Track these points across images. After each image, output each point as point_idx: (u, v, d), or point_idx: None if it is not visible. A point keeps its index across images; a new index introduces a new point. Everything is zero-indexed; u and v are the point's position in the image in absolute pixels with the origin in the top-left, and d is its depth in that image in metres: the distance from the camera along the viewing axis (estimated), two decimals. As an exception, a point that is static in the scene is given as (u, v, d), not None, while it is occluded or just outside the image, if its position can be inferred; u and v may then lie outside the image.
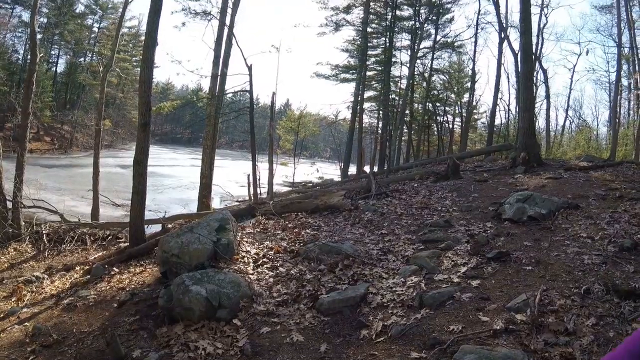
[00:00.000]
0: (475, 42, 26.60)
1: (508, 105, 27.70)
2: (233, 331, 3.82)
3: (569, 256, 4.82)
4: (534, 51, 24.24)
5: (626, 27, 22.47)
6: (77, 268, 7.63)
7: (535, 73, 24.62)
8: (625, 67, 24.76)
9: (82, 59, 44.36)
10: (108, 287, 5.91)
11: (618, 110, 25.30)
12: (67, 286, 6.51)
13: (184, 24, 15.81)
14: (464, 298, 4.09)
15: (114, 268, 6.77)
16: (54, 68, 42.78)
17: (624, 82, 25.83)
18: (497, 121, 27.57)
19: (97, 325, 4.59)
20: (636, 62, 22.83)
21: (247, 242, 5.90)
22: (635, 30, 18.97)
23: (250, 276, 4.78)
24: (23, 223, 10.06)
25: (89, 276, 6.75)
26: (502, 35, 22.75)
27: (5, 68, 32.32)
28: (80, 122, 39.18)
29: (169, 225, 9.86)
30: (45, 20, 37.05)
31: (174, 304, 4.18)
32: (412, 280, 4.53)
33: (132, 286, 5.61)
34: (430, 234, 6.11)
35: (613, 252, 4.78)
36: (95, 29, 44.31)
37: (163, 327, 4.08)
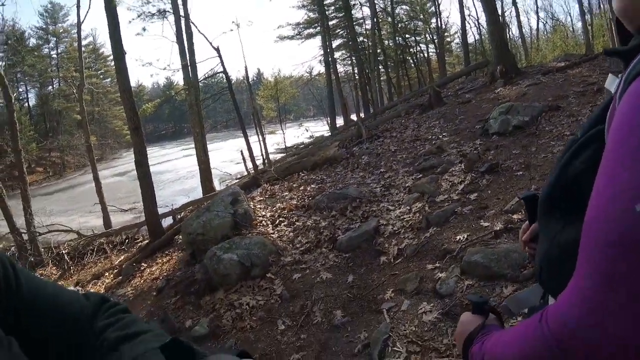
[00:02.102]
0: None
1: (477, 20, 27.10)
2: (269, 284, 4.29)
3: (555, 155, 5.11)
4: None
5: None
6: (107, 274, 8.05)
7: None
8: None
9: (50, 87, 43.93)
10: (142, 281, 6.33)
11: (588, 3, 25.09)
12: (102, 291, 6.93)
13: (144, 29, 15.72)
14: (465, 211, 4.53)
15: (142, 264, 7.17)
16: (26, 103, 42.68)
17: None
18: (470, 39, 27.35)
19: (144, 313, 5.02)
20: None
21: (260, 208, 6.32)
22: None
23: (272, 235, 5.23)
24: (42, 249, 10.51)
25: (120, 277, 7.17)
26: (457, -49, 22.18)
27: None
28: (67, 145, 39.34)
29: (180, 215, 10.28)
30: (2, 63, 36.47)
31: (211, 274, 4.63)
32: (416, 206, 4.96)
33: (165, 274, 6.02)
34: (426, 162, 6.49)
35: (599, 143, 5.11)
36: (55, 55, 43.69)
37: (206, 297, 4.55)
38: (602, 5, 25.30)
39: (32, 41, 42.21)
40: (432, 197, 5.12)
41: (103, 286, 7.30)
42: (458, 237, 4.04)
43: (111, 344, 0.69)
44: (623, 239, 0.47)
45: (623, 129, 0.51)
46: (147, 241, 8.82)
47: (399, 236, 4.45)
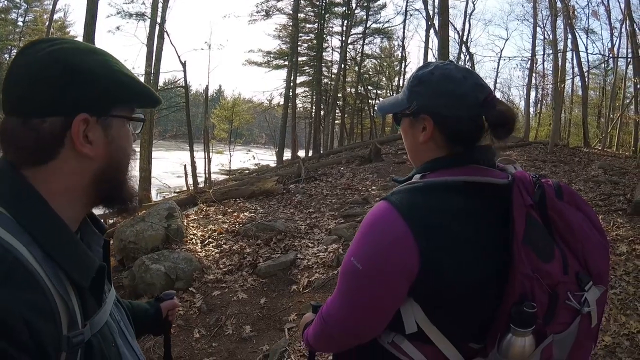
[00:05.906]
0: (404, 28, 28.29)
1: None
2: (190, 296, 4.76)
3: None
4: (461, 36, 26.33)
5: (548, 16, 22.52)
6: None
7: (463, 57, 26.86)
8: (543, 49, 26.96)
9: (7, 56, 41.33)
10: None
11: (535, 92, 28.09)
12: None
13: (118, 27, 15.86)
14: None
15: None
16: (-24, 67, 39.70)
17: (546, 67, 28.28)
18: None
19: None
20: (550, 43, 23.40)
21: (193, 226, 6.77)
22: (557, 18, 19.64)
23: (199, 253, 5.70)
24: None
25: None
26: (429, 23, 24.07)
27: None
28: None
29: (111, 220, 10.32)
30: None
31: (137, 281, 5.01)
32: (332, 247, 5.67)
33: (91, 275, 6.26)
34: (350, 210, 7.30)
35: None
36: (20, 24, 41.41)
37: (129, 301, 4.91)
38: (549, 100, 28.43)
39: (4, 2, 39.64)
40: (347, 241, 5.85)
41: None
42: (360, 279, 4.76)
43: None
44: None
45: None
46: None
47: (312, 270, 5.11)
